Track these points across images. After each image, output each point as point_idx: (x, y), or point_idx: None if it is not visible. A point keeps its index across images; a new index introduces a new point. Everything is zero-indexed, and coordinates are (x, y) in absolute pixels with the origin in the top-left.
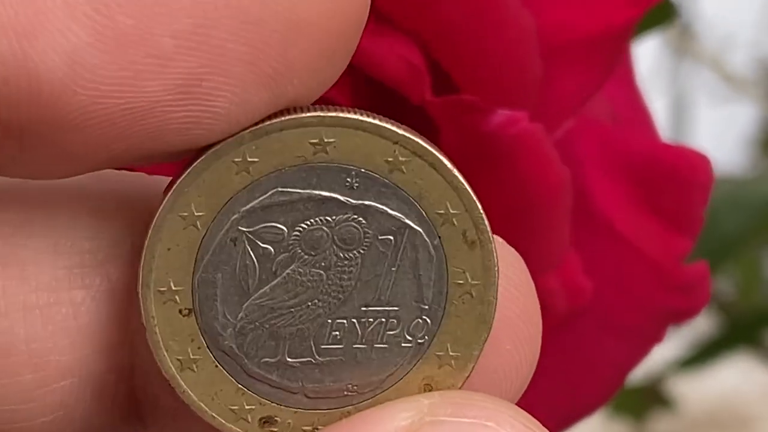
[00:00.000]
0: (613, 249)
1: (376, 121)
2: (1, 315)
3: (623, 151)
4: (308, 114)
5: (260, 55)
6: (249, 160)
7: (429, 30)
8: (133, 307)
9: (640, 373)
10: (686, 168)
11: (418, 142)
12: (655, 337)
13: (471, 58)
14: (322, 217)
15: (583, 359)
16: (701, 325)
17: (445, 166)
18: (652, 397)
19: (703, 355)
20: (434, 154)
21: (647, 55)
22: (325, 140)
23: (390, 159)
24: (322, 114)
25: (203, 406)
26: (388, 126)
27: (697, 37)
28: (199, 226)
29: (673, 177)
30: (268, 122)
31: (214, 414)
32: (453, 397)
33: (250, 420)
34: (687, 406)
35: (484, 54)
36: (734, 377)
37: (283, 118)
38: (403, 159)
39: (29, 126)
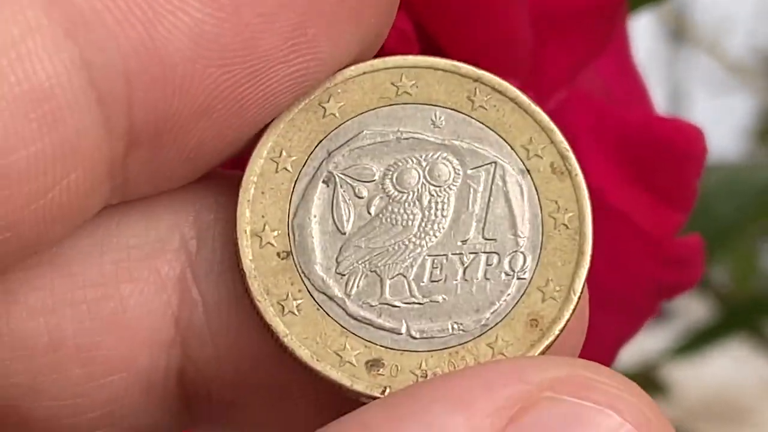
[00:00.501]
0: (606, 222)
1: (453, 61)
2: (48, 311)
3: (617, 124)
4: (387, 58)
5: None
6: (336, 103)
7: None
8: (185, 303)
9: (635, 359)
10: (680, 140)
11: (496, 79)
12: (648, 310)
13: (460, 26)
14: (411, 156)
15: None
16: (696, 313)
17: (525, 101)
18: (647, 385)
19: (698, 342)
20: (514, 90)
21: (644, 45)
22: (407, 81)
23: (471, 96)
24: (400, 57)
25: (307, 351)
26: (465, 65)
27: (695, 26)
28: (290, 169)
29: (667, 149)
30: (352, 67)
31: (318, 359)
32: (579, 371)
33: (356, 364)
34: (682, 394)
35: (474, 22)
36: (729, 365)
37: (364, 63)
38: (484, 96)
39: (161, 122)
